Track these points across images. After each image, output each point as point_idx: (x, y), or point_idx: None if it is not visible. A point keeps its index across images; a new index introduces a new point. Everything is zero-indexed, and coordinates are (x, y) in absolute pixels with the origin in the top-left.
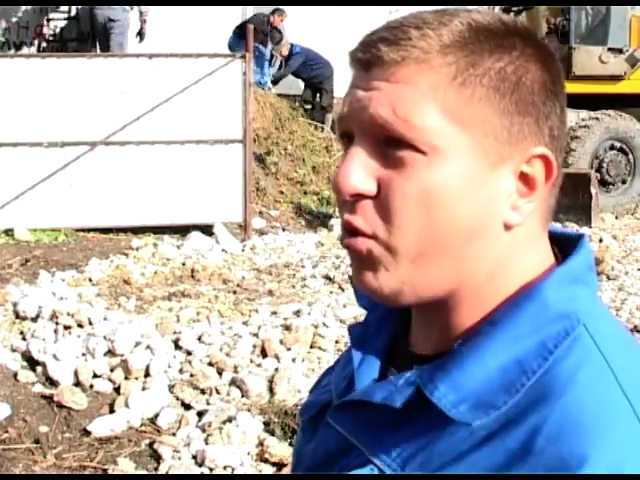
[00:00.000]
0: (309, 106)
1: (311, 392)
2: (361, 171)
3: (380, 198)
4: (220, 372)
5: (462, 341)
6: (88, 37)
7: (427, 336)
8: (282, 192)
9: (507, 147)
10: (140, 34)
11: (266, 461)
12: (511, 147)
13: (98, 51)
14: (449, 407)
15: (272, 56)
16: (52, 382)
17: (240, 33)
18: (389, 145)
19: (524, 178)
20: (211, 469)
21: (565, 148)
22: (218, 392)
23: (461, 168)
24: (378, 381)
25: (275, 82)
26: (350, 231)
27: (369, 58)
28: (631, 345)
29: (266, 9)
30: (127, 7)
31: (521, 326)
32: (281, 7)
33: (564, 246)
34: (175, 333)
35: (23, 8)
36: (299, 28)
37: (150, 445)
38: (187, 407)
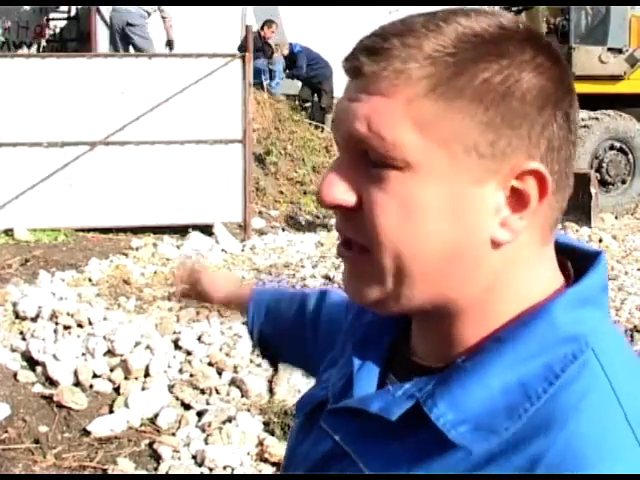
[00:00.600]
0: (308, 104)
1: (316, 384)
2: (340, 182)
3: (362, 211)
4: (220, 372)
5: (466, 357)
6: (88, 37)
7: (428, 346)
8: (282, 192)
9: (492, 162)
10: (169, 43)
11: (266, 461)
12: (497, 162)
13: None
14: (448, 427)
15: (271, 70)
16: (52, 382)
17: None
18: (368, 159)
19: (515, 194)
20: (211, 469)
21: (572, 157)
22: (218, 392)
23: (438, 184)
24: (378, 388)
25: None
26: (344, 242)
27: (351, 67)
28: (639, 369)
29: (267, 9)
30: (144, 12)
31: (528, 346)
32: (270, 19)
33: (579, 261)
34: (175, 333)
35: (23, 8)
36: (299, 28)
37: (150, 445)
38: (187, 407)
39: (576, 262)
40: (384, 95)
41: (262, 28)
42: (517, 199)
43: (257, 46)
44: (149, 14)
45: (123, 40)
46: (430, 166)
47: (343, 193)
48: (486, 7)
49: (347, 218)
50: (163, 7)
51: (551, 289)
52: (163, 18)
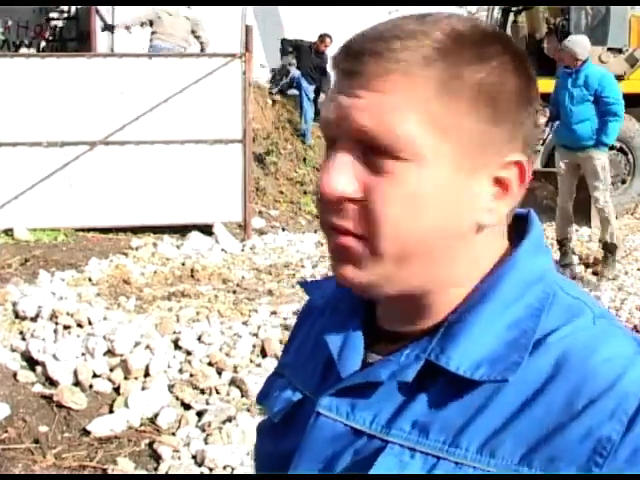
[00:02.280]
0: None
1: (261, 401)
2: (346, 175)
3: (365, 203)
4: (220, 372)
5: (455, 314)
6: (88, 37)
7: (408, 315)
8: (282, 192)
9: (484, 155)
10: None
11: None
12: (488, 155)
13: None
14: (470, 372)
15: (316, 95)
16: (52, 382)
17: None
18: (372, 152)
19: (500, 182)
20: (211, 469)
21: (535, 147)
22: (218, 392)
23: (441, 175)
24: (363, 367)
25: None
26: (340, 232)
27: (353, 68)
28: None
29: (267, 9)
30: (182, 46)
31: (508, 293)
32: (327, 33)
33: (516, 223)
34: (175, 333)
35: (23, 8)
36: (299, 28)
37: (150, 445)
38: (187, 407)
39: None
40: (390, 93)
41: (316, 42)
42: (502, 187)
43: (314, 64)
44: (189, 45)
45: None
46: (434, 158)
47: (347, 184)
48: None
49: (344, 210)
50: (200, 33)
51: (505, 247)
52: (201, 43)
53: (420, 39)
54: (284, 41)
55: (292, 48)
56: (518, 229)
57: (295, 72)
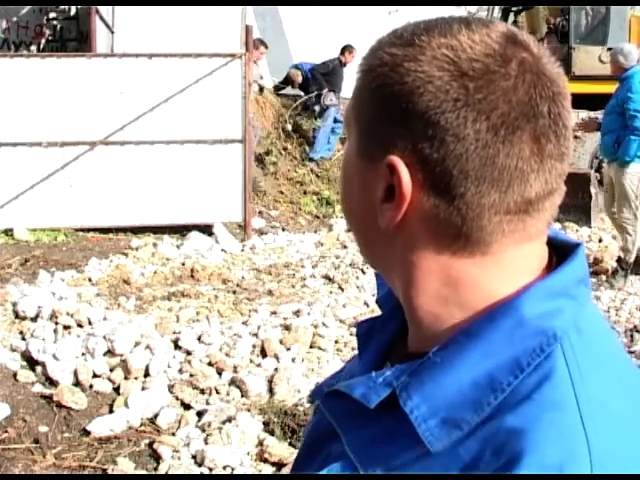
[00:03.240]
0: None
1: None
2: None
3: None
4: (220, 372)
5: (438, 347)
6: (88, 37)
7: (412, 334)
8: (282, 192)
9: (374, 148)
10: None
11: (266, 461)
12: (376, 149)
13: None
14: (419, 421)
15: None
16: (52, 382)
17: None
18: None
19: (387, 183)
20: (211, 469)
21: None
22: (218, 392)
23: (349, 150)
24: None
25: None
26: None
27: None
28: (612, 364)
29: (267, 9)
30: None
31: (495, 341)
32: (350, 44)
33: (562, 254)
34: (175, 333)
35: (23, 8)
36: (299, 28)
37: (150, 445)
38: (187, 407)
39: (560, 254)
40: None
41: (342, 53)
42: (388, 192)
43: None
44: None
45: None
46: (350, 133)
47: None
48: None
49: None
50: (259, 44)
51: (516, 286)
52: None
53: (374, 47)
54: (314, 70)
55: (322, 74)
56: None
57: (333, 102)
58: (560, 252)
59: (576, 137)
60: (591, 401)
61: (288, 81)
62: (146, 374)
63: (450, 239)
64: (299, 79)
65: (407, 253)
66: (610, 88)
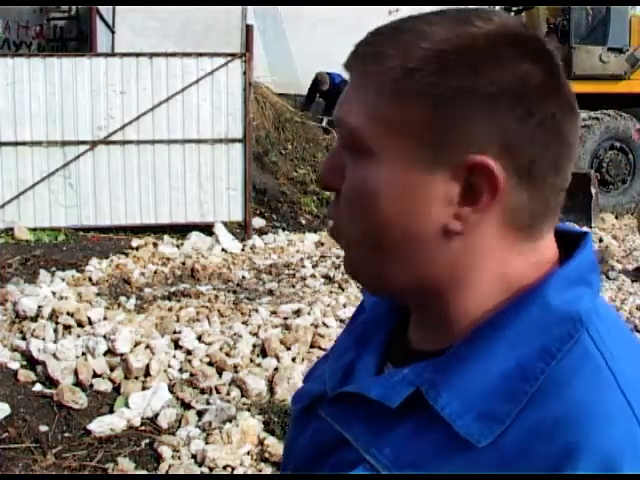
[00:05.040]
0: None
1: (304, 381)
2: (329, 165)
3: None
4: (220, 372)
5: (462, 341)
6: (88, 37)
7: (425, 332)
8: (282, 192)
9: (443, 154)
10: None
11: (266, 461)
12: (448, 154)
13: None
14: (454, 417)
15: None
16: (52, 381)
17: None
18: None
19: (468, 187)
20: (211, 469)
21: (539, 157)
22: (218, 392)
23: (390, 171)
24: (376, 375)
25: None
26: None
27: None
28: (632, 345)
29: (267, 9)
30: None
31: (523, 330)
32: None
33: (568, 244)
34: (175, 333)
35: (23, 8)
36: (299, 28)
37: (150, 445)
38: (187, 407)
39: (566, 245)
40: (353, 87)
41: None
42: (469, 193)
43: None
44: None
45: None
46: (382, 153)
47: (328, 174)
48: (485, 7)
49: (336, 199)
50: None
51: (540, 273)
52: None
53: (383, 42)
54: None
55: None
56: (568, 251)
57: None
58: (564, 241)
59: None
60: (627, 381)
61: (316, 83)
62: (146, 374)
63: (516, 231)
64: (325, 86)
65: (465, 256)
66: (610, 88)
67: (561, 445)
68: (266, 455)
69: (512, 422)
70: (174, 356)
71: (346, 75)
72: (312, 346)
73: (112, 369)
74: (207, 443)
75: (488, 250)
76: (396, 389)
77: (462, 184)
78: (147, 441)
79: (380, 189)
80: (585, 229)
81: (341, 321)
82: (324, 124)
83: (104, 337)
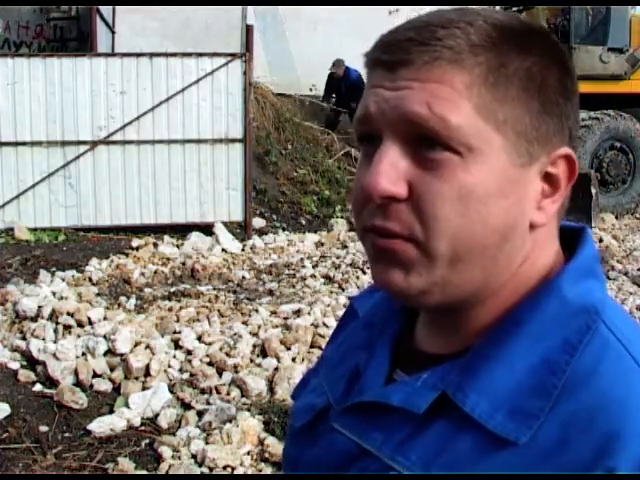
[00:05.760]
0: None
1: (295, 396)
2: (392, 173)
3: (414, 201)
4: (220, 372)
5: (483, 340)
6: (88, 37)
7: (440, 335)
8: (282, 192)
9: (536, 147)
10: None
11: (266, 461)
12: (539, 147)
13: None
14: (485, 418)
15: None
16: (52, 382)
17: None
18: (422, 145)
19: (549, 178)
20: (211, 469)
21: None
22: (218, 392)
23: (495, 169)
24: (387, 382)
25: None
26: (385, 235)
27: (397, 59)
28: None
29: (267, 9)
30: None
31: (544, 324)
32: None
33: (567, 238)
34: (175, 333)
35: (24, 8)
36: (299, 28)
37: (150, 445)
38: (187, 407)
39: (565, 240)
40: (440, 82)
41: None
42: (551, 183)
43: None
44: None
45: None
46: (489, 150)
47: (394, 184)
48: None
49: (390, 210)
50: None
51: (555, 264)
52: None
53: (465, 28)
54: (359, 80)
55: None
56: (570, 246)
57: None
58: (565, 236)
59: (577, 137)
60: None
61: (333, 67)
62: (146, 374)
63: (558, 220)
64: (340, 71)
65: (531, 252)
66: (610, 88)
67: (601, 434)
68: (266, 455)
69: (546, 416)
70: (174, 356)
71: (363, 71)
72: (312, 346)
73: (112, 369)
74: (207, 443)
75: (541, 242)
76: (420, 394)
77: (544, 174)
78: (147, 441)
79: (484, 189)
80: (583, 224)
81: None
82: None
83: (104, 337)
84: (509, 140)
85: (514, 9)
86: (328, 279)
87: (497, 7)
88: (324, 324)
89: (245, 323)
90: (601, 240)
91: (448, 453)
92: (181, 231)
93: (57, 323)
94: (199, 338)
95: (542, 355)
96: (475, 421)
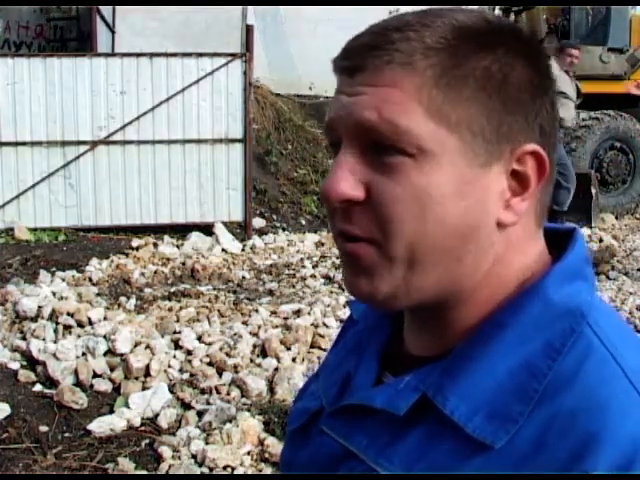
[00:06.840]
0: None
1: (296, 401)
2: (349, 177)
3: (371, 204)
4: (220, 372)
5: (465, 342)
6: (88, 37)
7: (424, 338)
8: (282, 192)
9: (496, 146)
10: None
11: (266, 461)
12: (500, 146)
13: None
14: (464, 420)
15: None
16: (52, 382)
17: None
18: (377, 150)
19: (516, 176)
20: (211, 469)
21: (557, 144)
22: (218, 392)
23: (450, 170)
24: (375, 385)
25: None
26: (349, 238)
27: (353, 65)
28: (630, 335)
29: (267, 9)
30: None
31: (527, 327)
32: None
33: (557, 241)
34: (175, 333)
35: (24, 8)
36: (299, 28)
37: (150, 445)
38: (187, 407)
39: (553, 242)
40: (391, 86)
41: None
42: (518, 181)
43: None
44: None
45: None
46: (442, 152)
47: (351, 188)
48: (485, 7)
49: (351, 214)
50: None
51: (539, 266)
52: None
53: (420, 30)
54: None
55: None
56: (560, 248)
57: None
58: (553, 238)
59: (577, 137)
60: (633, 370)
61: None
62: (146, 374)
63: (536, 219)
64: None
65: (506, 251)
66: (610, 88)
67: (580, 435)
68: (266, 455)
69: (525, 420)
70: (174, 356)
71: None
72: (312, 346)
73: (112, 369)
74: (207, 443)
75: (516, 242)
76: (401, 396)
77: (510, 172)
78: (147, 441)
79: (439, 191)
80: (573, 226)
81: (341, 321)
82: None
83: (104, 337)
84: (464, 141)
85: (514, 9)
86: (328, 279)
87: (496, 7)
88: (324, 324)
89: (245, 323)
90: (601, 240)
91: (429, 456)
92: (181, 231)
93: (57, 323)
94: (199, 338)
95: (524, 358)
96: (455, 424)
